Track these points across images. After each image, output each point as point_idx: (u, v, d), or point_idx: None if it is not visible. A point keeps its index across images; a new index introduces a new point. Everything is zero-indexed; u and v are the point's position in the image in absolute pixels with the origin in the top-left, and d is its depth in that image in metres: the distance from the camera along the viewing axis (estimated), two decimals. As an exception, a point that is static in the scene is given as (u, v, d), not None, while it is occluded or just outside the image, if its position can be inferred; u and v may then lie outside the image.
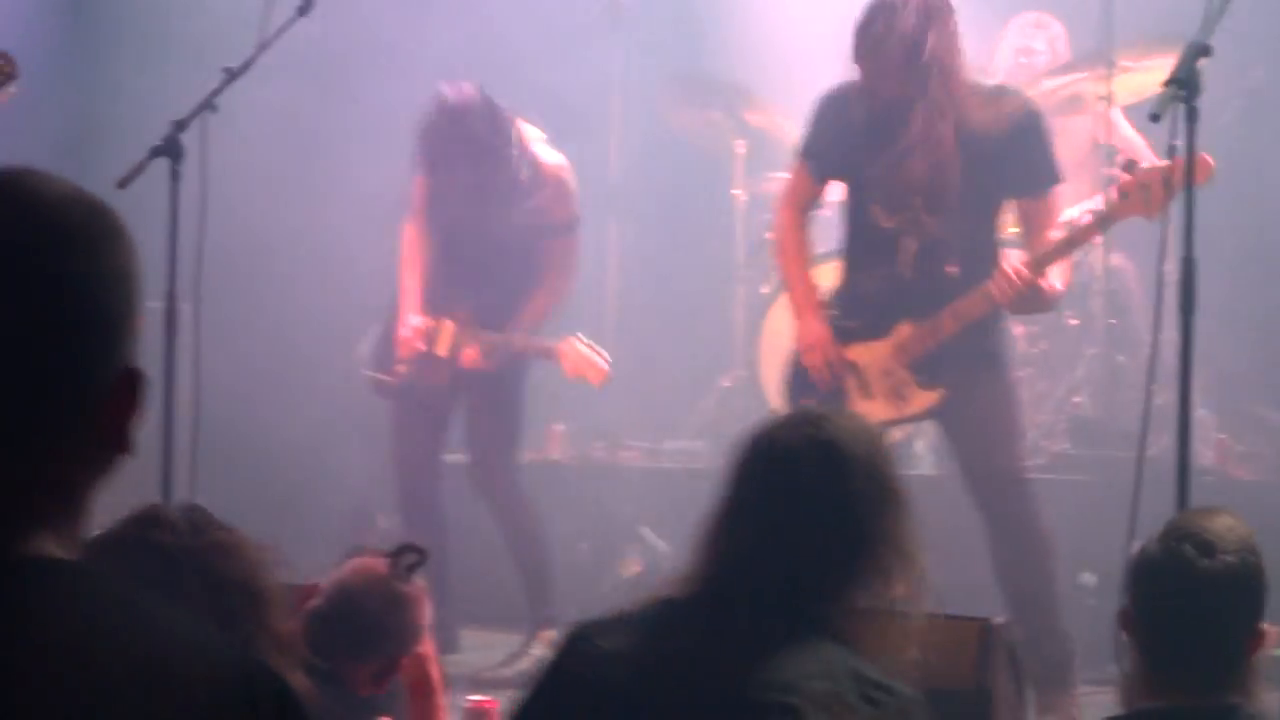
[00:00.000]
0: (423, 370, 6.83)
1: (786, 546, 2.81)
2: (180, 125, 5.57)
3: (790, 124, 7.59)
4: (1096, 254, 7.73)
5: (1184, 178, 5.08)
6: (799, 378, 6.03)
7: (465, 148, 6.59)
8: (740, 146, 8.54)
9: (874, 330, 5.92)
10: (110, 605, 1.70)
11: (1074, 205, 8.07)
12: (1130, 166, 5.63)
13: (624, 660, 2.82)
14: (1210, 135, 7.95)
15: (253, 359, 8.26)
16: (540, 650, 6.37)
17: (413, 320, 6.85)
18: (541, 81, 7.98)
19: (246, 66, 5.61)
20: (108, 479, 1.74)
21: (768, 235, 7.68)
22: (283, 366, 8.37)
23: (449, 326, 6.81)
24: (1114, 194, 5.64)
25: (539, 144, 6.83)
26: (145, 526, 3.37)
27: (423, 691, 4.05)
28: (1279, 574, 3.20)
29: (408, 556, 3.97)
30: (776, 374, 7.31)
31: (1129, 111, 7.89)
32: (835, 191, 6.24)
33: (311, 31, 5.83)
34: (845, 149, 5.90)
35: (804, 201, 6.13)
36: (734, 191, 8.57)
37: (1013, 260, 5.75)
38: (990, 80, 5.94)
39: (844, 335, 5.96)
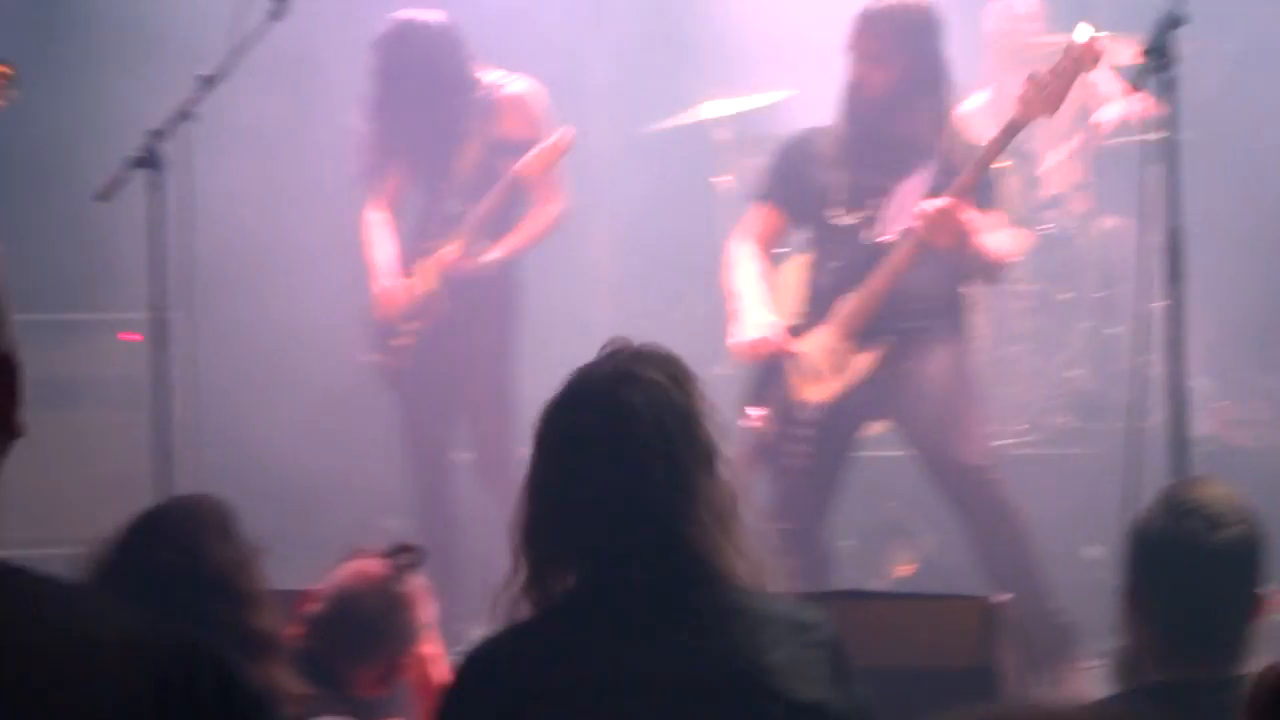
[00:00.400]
0: (422, 317, 6.74)
1: (621, 527, 2.77)
2: (158, 135, 5.55)
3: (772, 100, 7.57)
4: (1087, 227, 7.73)
5: (1076, 68, 5.14)
6: (747, 385, 6.06)
7: (410, 62, 6.58)
8: (722, 137, 8.50)
9: (820, 317, 5.95)
10: (35, 591, 1.71)
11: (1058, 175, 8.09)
12: (1032, 76, 5.67)
13: (560, 666, 2.77)
14: (1199, 100, 8.01)
15: (245, 367, 8.24)
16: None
17: (383, 286, 6.77)
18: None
19: (222, 74, 5.59)
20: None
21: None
22: (275, 373, 8.34)
23: (425, 265, 6.74)
24: (1017, 104, 5.66)
25: (502, 74, 6.74)
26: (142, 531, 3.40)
27: (427, 693, 4.04)
28: (1273, 537, 3.20)
29: (405, 556, 3.96)
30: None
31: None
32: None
33: (290, 36, 5.80)
34: (810, 182, 5.97)
35: (763, 235, 6.16)
36: (710, 179, 8.52)
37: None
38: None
39: (796, 332, 5.99)
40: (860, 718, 2.78)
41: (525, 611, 2.82)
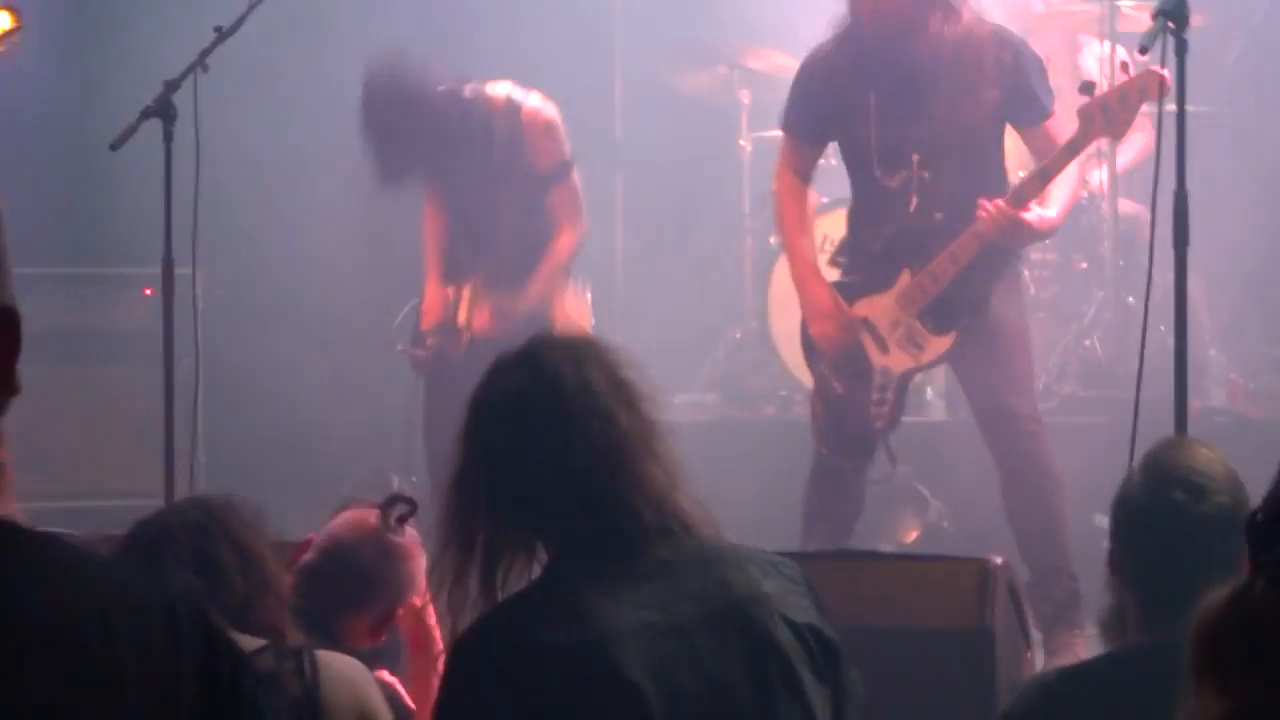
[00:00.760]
0: (446, 341, 6.76)
1: (585, 470, 2.79)
2: (172, 86, 5.56)
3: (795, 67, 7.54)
4: (1105, 198, 7.70)
5: (1141, 96, 5.11)
6: (812, 343, 6.03)
7: (399, 120, 6.44)
8: (745, 96, 8.49)
9: (877, 283, 5.90)
10: (23, 545, 1.71)
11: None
12: (1087, 88, 5.59)
13: (588, 648, 2.72)
14: (1215, 73, 7.98)
15: (260, 321, 8.27)
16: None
17: (434, 294, 6.79)
18: (539, 39, 7.95)
19: (237, 25, 5.60)
20: None
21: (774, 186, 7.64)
22: (291, 328, 8.37)
23: (465, 293, 6.74)
24: (1079, 119, 5.57)
25: (513, 92, 6.64)
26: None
27: (421, 644, 4.04)
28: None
29: (399, 508, 3.95)
30: (786, 325, 7.29)
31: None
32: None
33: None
34: (831, 111, 5.90)
35: (801, 167, 6.09)
36: (740, 142, 8.53)
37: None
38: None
39: (849, 292, 5.95)
40: (842, 650, 2.83)
41: (487, 593, 2.80)
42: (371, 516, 3.95)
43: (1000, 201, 5.64)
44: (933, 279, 5.79)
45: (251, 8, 5.64)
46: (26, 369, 1.78)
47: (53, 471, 7.41)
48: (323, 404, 8.20)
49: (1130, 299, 7.67)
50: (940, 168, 5.76)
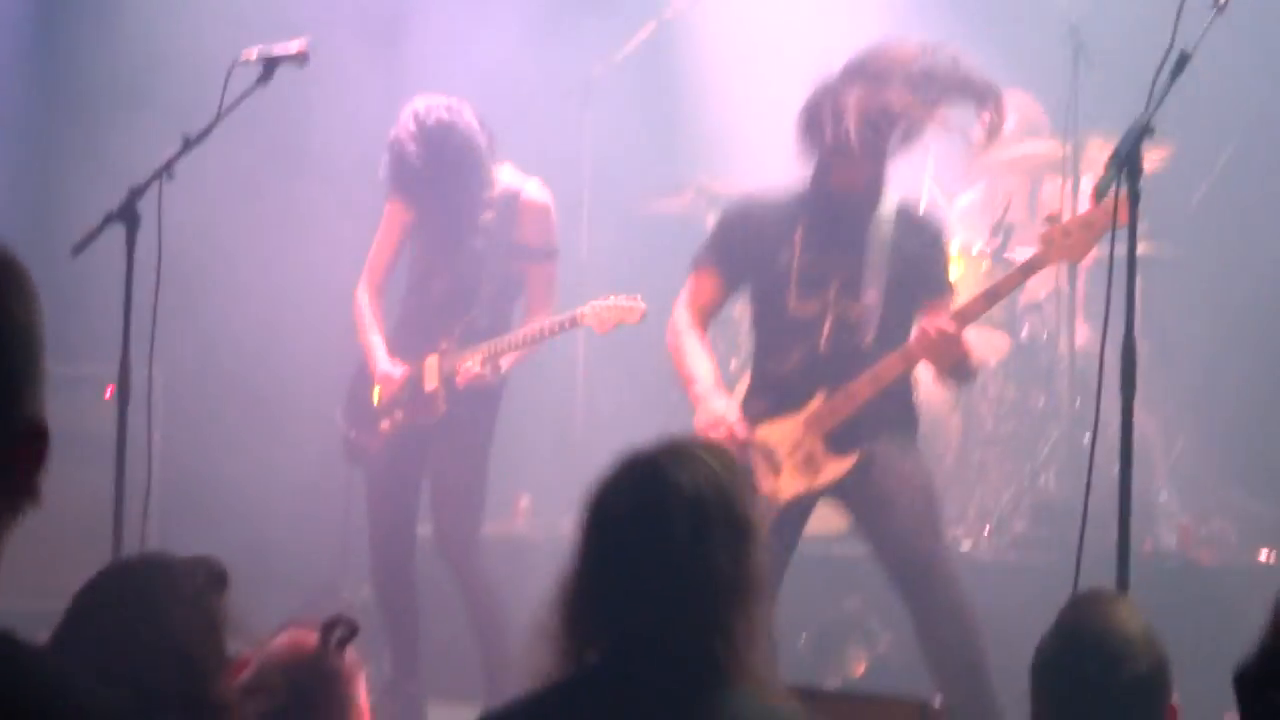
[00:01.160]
0: (414, 410, 6.75)
1: (650, 606, 2.79)
2: (136, 192, 5.56)
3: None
4: (1063, 335, 7.75)
5: (1104, 219, 5.17)
6: None
7: (441, 166, 6.58)
8: (710, 219, 8.53)
9: (785, 406, 5.89)
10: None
11: (1042, 286, 8.11)
12: (1052, 219, 5.66)
13: None
14: (1180, 216, 8.06)
15: (215, 424, 8.25)
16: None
17: (387, 368, 6.78)
18: (509, 152, 7.99)
19: (204, 134, 5.60)
20: (12, 528, 1.77)
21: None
22: (245, 432, 8.36)
23: (432, 360, 6.75)
24: (1039, 243, 5.63)
25: (513, 175, 6.79)
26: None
27: (356, 766, 4.00)
28: (1230, 659, 3.15)
29: (339, 630, 3.92)
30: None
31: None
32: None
33: (273, 95, 5.81)
34: (756, 247, 5.93)
35: (707, 304, 6.11)
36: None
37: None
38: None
39: (754, 418, 5.92)
40: None
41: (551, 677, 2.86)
42: (310, 639, 3.91)
43: (944, 322, 5.65)
44: (848, 399, 5.78)
45: (220, 117, 5.65)
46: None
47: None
48: (280, 508, 8.17)
49: (1086, 438, 7.70)
50: (860, 294, 5.80)
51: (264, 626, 4.23)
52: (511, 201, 6.72)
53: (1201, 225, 8.35)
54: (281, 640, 3.95)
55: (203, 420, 8.27)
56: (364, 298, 6.91)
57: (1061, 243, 5.55)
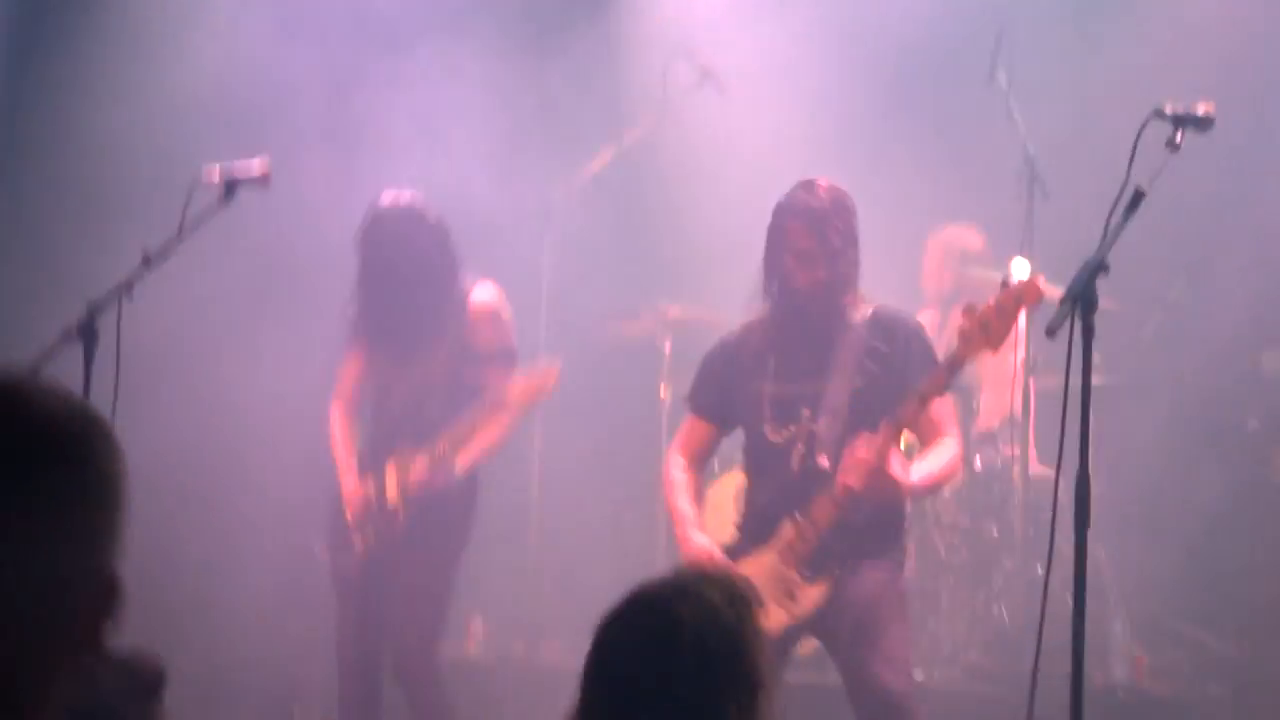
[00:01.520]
0: (380, 526, 6.72)
1: None
2: (95, 309, 5.55)
3: (717, 317, 7.65)
4: (1017, 466, 7.78)
5: (1017, 304, 5.22)
6: None
7: (408, 259, 6.60)
8: (667, 345, 8.59)
9: (760, 539, 5.89)
10: None
11: (995, 414, 8.15)
12: (970, 310, 5.66)
13: None
14: (1129, 349, 8.13)
15: (176, 542, 8.22)
16: None
17: (355, 485, 6.77)
18: (468, 273, 8.03)
19: (165, 254, 5.61)
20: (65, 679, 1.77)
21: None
22: (203, 545, 8.33)
23: (391, 469, 6.73)
24: (958, 338, 5.65)
25: (465, 280, 6.79)
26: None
27: None
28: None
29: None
30: (701, 571, 7.28)
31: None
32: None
33: (239, 209, 5.83)
34: (735, 390, 5.99)
35: (696, 445, 6.17)
36: (660, 390, 8.60)
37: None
38: (877, 300, 6.00)
39: (735, 552, 5.93)
40: None
41: None
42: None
43: (861, 450, 5.67)
44: (812, 525, 5.77)
45: (181, 237, 5.65)
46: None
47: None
48: (235, 623, 8.13)
49: (1039, 568, 7.72)
50: (830, 421, 5.82)
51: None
52: (463, 306, 6.73)
53: (1152, 355, 8.43)
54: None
55: (159, 532, 8.22)
56: (336, 413, 6.92)
57: (980, 336, 5.57)
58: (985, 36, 7.97)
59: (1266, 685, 7.60)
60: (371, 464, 6.79)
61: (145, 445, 6.73)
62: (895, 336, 5.90)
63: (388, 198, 6.73)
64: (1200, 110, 4.67)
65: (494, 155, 8.77)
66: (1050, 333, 4.35)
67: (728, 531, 6.08)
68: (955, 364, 5.70)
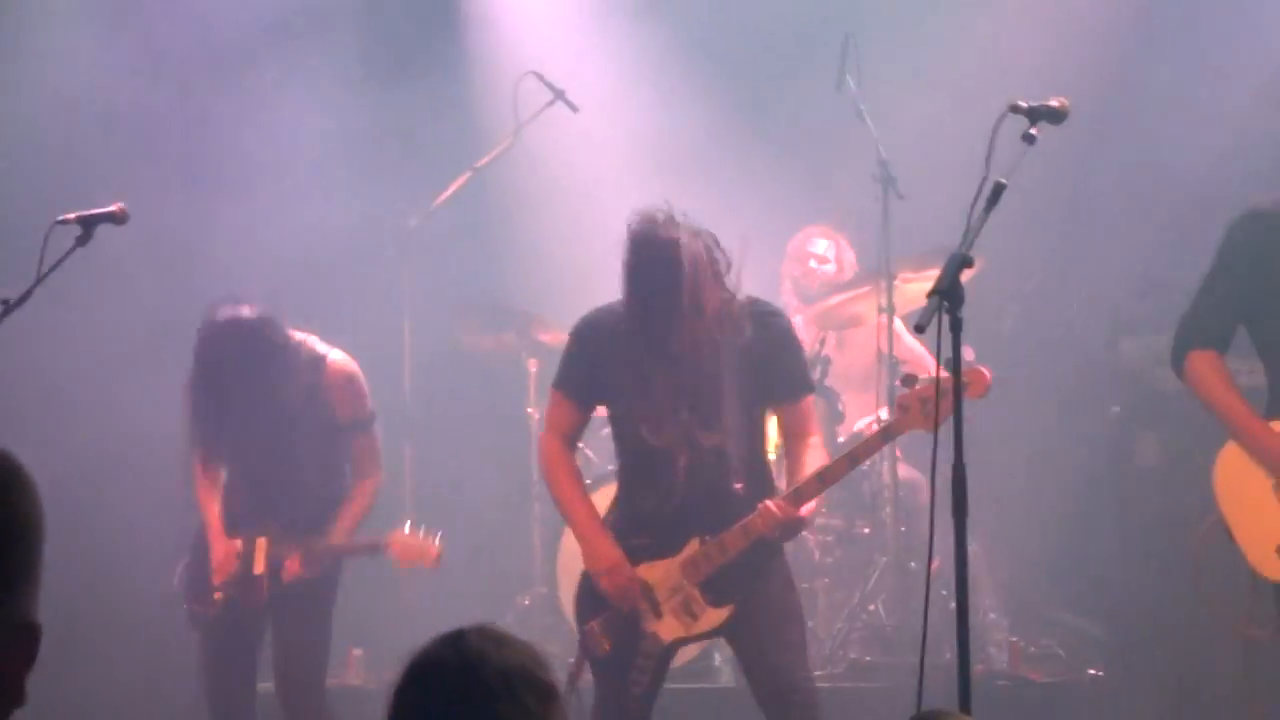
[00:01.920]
0: (242, 592, 6.69)
1: None
2: (-43, 355, 5.51)
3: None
4: (885, 464, 7.86)
5: (962, 389, 5.24)
6: (589, 597, 5.96)
7: (243, 360, 6.54)
8: (533, 365, 8.60)
9: (662, 548, 5.87)
10: None
11: (861, 417, 8.25)
12: (909, 381, 5.68)
13: None
14: (991, 343, 8.25)
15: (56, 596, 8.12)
16: None
17: (223, 550, 6.73)
18: (332, 301, 8.02)
19: (23, 299, 5.55)
20: None
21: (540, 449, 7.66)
22: (88, 600, 8.24)
23: (262, 543, 6.70)
24: (896, 409, 5.69)
25: (319, 344, 6.75)
26: None
27: None
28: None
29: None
30: (575, 591, 7.29)
31: (909, 319, 8.08)
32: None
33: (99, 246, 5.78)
34: (605, 373, 5.88)
35: (568, 429, 6.08)
36: (528, 409, 8.61)
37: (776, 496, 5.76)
38: (744, 294, 5.93)
39: (632, 554, 5.88)
40: None
41: None
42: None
43: (782, 503, 5.69)
44: (721, 550, 5.79)
45: (39, 280, 5.59)
46: None
47: None
48: (106, 658, 8.06)
49: (913, 564, 7.81)
50: (709, 426, 5.79)
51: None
52: (318, 372, 6.69)
53: (1012, 349, 8.56)
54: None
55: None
56: (197, 468, 6.86)
57: (919, 410, 5.59)
58: (837, 42, 8.06)
59: (1138, 667, 7.73)
60: (234, 519, 6.76)
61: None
62: (763, 324, 5.83)
63: (222, 312, 6.64)
64: (1054, 103, 4.75)
65: (352, 183, 8.76)
66: (920, 329, 4.41)
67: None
68: (889, 433, 5.78)
